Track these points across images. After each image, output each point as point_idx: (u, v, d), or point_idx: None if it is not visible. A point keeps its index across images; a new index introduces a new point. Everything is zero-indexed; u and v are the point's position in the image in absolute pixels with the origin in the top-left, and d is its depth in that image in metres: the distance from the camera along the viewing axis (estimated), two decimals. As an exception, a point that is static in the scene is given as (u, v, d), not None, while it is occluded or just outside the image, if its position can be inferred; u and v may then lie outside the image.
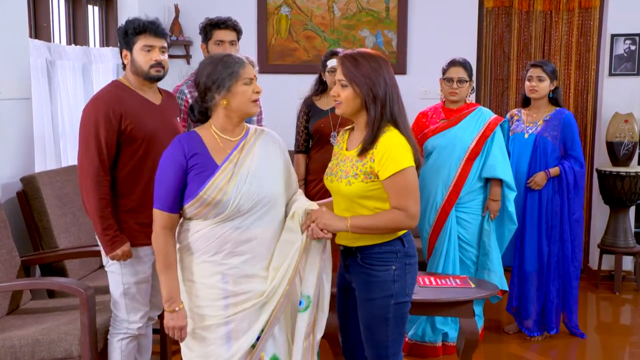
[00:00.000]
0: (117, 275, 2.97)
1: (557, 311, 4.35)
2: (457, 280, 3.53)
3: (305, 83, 4.42)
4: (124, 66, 3.00)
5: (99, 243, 2.94)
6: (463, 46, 5.36)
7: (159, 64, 2.93)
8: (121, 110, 2.86)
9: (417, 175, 2.47)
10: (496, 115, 4.03)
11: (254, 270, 2.42)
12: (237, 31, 3.67)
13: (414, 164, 2.44)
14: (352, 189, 2.47)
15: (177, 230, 2.47)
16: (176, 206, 2.40)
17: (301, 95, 4.40)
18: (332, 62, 4.05)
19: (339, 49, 4.17)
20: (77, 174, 2.90)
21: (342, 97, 2.48)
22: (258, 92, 2.43)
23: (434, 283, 3.48)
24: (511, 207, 3.98)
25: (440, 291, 3.38)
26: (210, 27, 3.63)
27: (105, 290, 3.16)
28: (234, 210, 2.36)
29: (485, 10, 5.60)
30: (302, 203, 2.54)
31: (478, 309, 4.08)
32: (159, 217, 2.40)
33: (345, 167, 2.53)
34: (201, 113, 2.46)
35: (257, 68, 2.47)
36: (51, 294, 3.60)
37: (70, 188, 3.80)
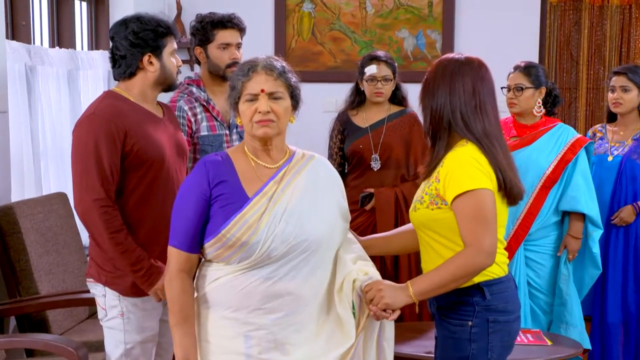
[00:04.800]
0: (117, 332, 2.84)
1: (657, 377, 4.19)
2: (529, 336, 3.42)
3: (331, 93, 4.34)
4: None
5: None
6: (522, 49, 5.28)
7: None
8: (125, 127, 2.77)
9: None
10: (580, 135, 3.94)
11: (284, 333, 2.28)
12: (242, 30, 3.55)
13: (488, 187, 2.32)
14: (416, 217, 2.47)
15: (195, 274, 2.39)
16: (196, 245, 2.31)
17: (327, 108, 4.32)
18: (372, 70, 3.98)
19: (380, 52, 4.09)
20: (76, 209, 2.79)
21: None
22: (261, 113, 2.27)
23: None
24: (595, 249, 3.86)
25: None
26: (211, 27, 3.45)
27: (97, 346, 3.06)
28: (264, 256, 2.24)
29: (550, 4, 5.54)
30: (352, 268, 2.40)
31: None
32: (176, 257, 2.31)
33: (419, 190, 2.52)
34: None
35: (277, 73, 2.30)
36: (30, 351, 3.49)
37: (54, 220, 3.74)
